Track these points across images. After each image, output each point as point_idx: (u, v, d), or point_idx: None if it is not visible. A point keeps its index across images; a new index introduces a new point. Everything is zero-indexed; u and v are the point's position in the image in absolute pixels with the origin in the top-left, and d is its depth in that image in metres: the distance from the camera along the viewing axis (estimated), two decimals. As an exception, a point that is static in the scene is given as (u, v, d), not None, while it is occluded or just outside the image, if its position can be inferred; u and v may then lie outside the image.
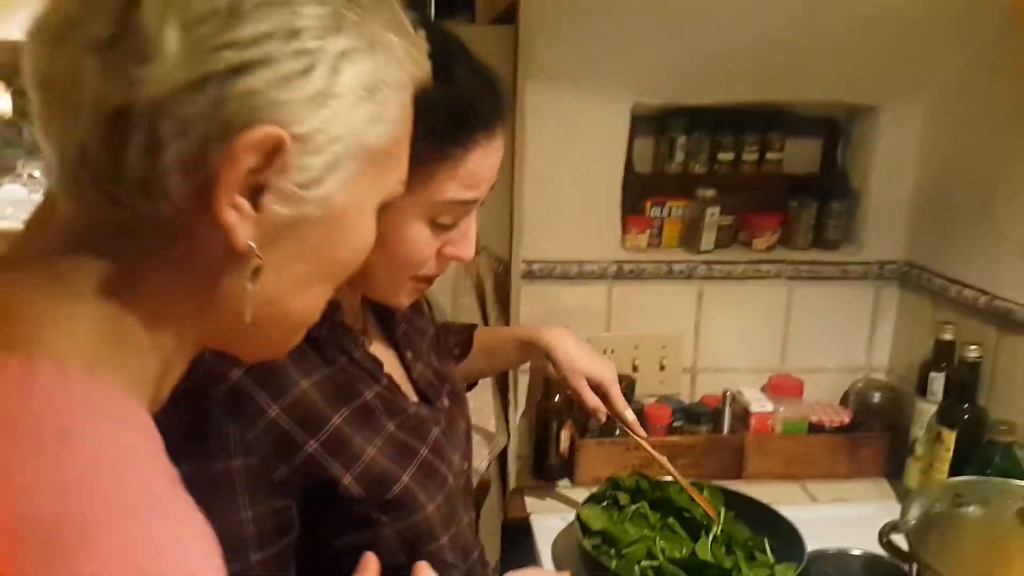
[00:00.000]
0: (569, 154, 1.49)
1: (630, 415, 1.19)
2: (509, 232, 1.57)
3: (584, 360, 1.16)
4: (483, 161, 0.77)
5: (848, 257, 1.61)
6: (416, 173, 0.70)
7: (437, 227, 0.78)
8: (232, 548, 0.69)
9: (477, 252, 1.62)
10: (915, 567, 0.95)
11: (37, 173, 3.88)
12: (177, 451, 0.67)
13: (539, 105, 1.45)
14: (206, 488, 0.67)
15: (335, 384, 0.80)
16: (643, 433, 1.21)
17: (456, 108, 0.74)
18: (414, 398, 0.92)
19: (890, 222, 1.59)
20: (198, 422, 0.70)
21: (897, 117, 1.54)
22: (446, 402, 0.98)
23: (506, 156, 1.49)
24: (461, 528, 0.96)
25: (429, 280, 0.84)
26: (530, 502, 1.43)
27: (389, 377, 0.87)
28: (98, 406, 0.43)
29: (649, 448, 1.21)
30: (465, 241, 0.82)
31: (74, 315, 0.44)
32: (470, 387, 1.44)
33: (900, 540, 0.97)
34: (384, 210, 0.72)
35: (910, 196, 1.57)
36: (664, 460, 1.22)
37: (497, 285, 1.69)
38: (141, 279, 0.46)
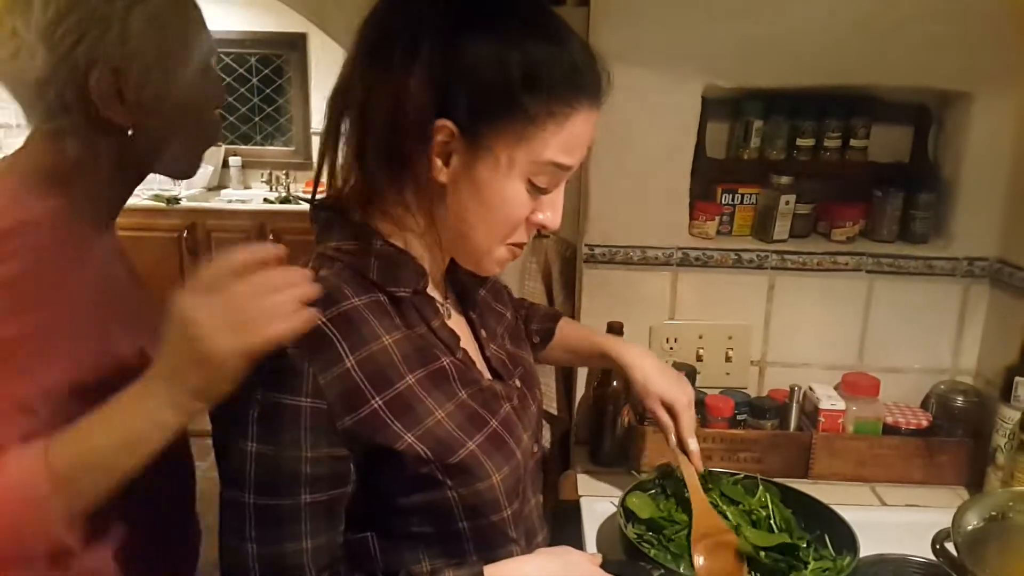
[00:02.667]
0: (638, 137, 1.47)
1: (694, 444, 1.17)
2: (578, 216, 1.57)
3: (660, 381, 1.16)
4: (584, 127, 0.79)
5: (936, 252, 1.51)
6: (523, 128, 0.76)
7: (533, 189, 0.80)
8: (287, 482, 0.75)
9: (546, 235, 1.63)
10: (971, 578, 0.89)
11: None
12: (255, 379, 0.72)
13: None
14: (274, 417, 0.74)
15: (413, 347, 0.83)
16: (699, 466, 1.17)
17: (568, 70, 0.77)
18: (487, 375, 0.93)
19: (982, 216, 1.49)
20: (278, 356, 0.73)
21: (992, 105, 1.43)
22: (518, 383, 1.00)
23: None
24: (528, 508, 0.97)
25: (518, 248, 0.86)
26: (583, 485, 1.42)
27: (464, 351, 0.90)
28: None
29: (692, 484, 1.16)
30: (554, 209, 0.84)
31: None
32: (568, 395, 1.47)
33: (953, 548, 0.91)
34: (487, 165, 0.76)
35: (1005, 189, 1.46)
36: (701, 497, 1.16)
37: (564, 268, 1.68)
38: None
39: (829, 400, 1.46)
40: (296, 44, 4.46)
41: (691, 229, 1.54)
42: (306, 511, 0.78)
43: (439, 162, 0.78)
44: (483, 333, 0.98)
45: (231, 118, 4.58)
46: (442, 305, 0.90)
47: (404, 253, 0.84)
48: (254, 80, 4.60)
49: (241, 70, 4.57)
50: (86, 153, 0.88)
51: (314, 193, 0.88)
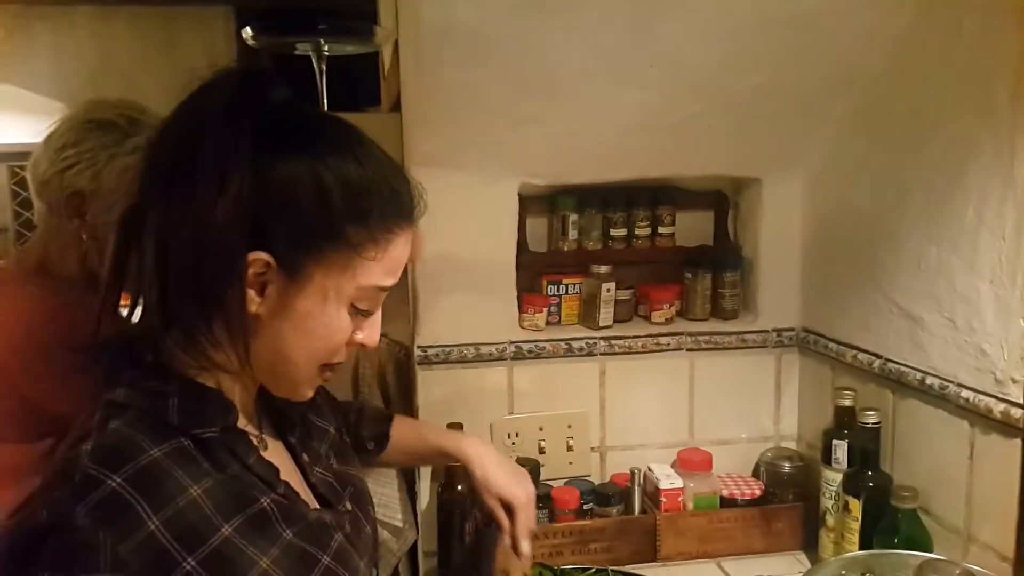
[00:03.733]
0: (461, 237, 1.48)
1: (526, 546, 1.14)
2: (407, 318, 1.54)
3: (500, 478, 1.14)
4: (404, 248, 0.80)
5: (746, 327, 1.61)
6: (346, 257, 0.75)
7: (355, 313, 0.78)
8: None
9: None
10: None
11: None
12: (39, 559, 0.63)
13: (427, 190, 1.44)
14: None
15: (227, 492, 0.75)
16: (527, 570, 1.16)
17: (387, 196, 0.77)
18: (314, 504, 0.87)
19: (783, 289, 1.60)
20: (66, 530, 0.64)
21: (779, 187, 1.57)
22: (349, 506, 0.93)
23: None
24: None
25: (333, 368, 0.83)
26: (433, 602, 1.35)
27: (286, 484, 0.82)
28: None
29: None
30: (373, 328, 0.82)
31: None
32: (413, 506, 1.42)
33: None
34: (308, 295, 0.74)
35: (799, 263, 1.59)
36: None
37: (398, 371, 1.64)
38: None
39: (668, 479, 1.49)
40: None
41: (521, 322, 1.55)
42: None
43: (253, 294, 0.73)
44: (305, 458, 0.91)
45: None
46: (256, 437, 0.83)
47: (208, 389, 0.78)
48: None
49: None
50: (56, 248, 1.23)
51: (97, 332, 0.79)
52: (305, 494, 0.87)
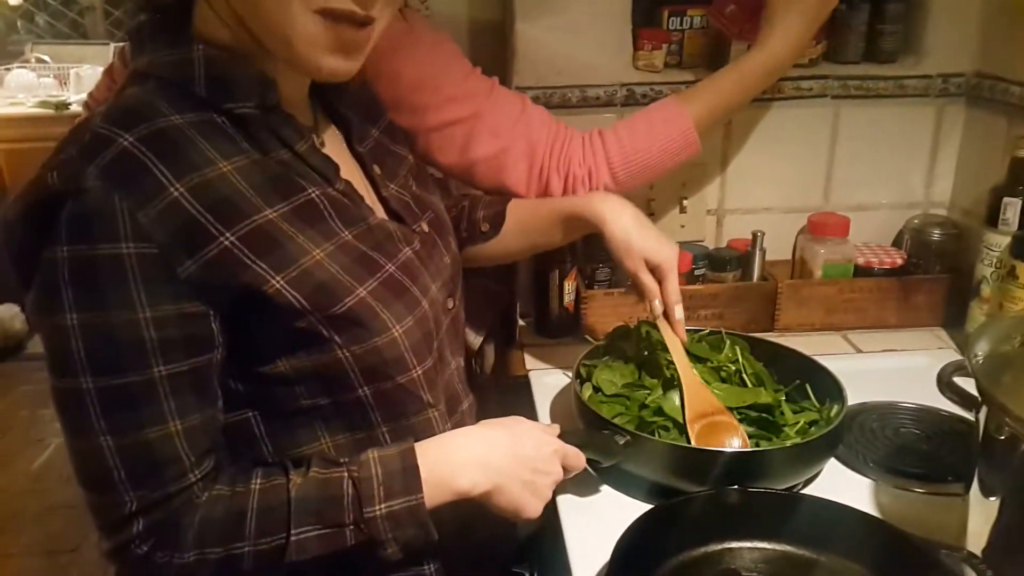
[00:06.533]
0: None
1: (679, 312, 1.00)
2: (503, 57, 1.35)
3: (643, 239, 0.98)
4: None
5: (907, 71, 1.34)
6: None
7: None
8: (130, 353, 0.59)
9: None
10: (983, 413, 0.76)
11: (45, 57, 3.81)
12: (53, 231, 0.57)
13: None
14: (92, 278, 0.58)
15: (269, 175, 0.66)
16: (683, 337, 1.02)
17: None
18: (382, 214, 0.78)
19: (957, 26, 1.31)
20: (77, 194, 0.57)
21: None
22: (425, 228, 0.84)
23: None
24: (447, 372, 0.84)
25: (331, 18, 0.63)
26: (530, 359, 1.26)
27: (347, 183, 0.73)
28: None
29: (680, 360, 1.00)
30: None
31: None
32: (508, 267, 1.28)
33: (965, 383, 0.78)
34: None
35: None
36: (690, 374, 1.00)
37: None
38: None
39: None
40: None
41: (636, 61, 1.33)
42: (164, 386, 0.61)
43: None
44: (377, 170, 0.81)
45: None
46: (308, 128, 0.73)
47: (241, 59, 0.66)
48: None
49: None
50: None
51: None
52: (373, 202, 0.77)
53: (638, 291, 1.01)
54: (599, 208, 0.99)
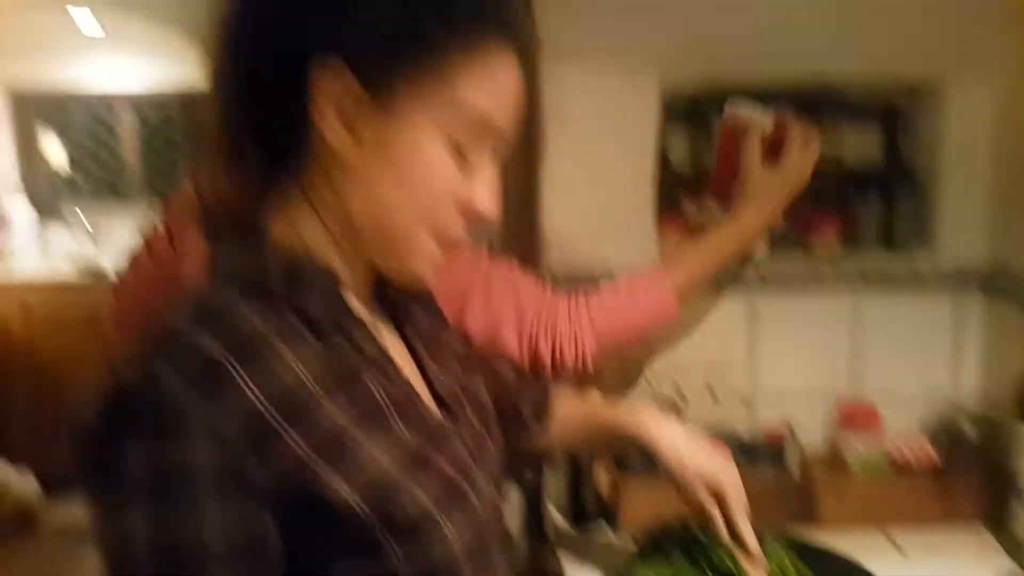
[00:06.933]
0: (593, 148, 1.28)
1: (752, 540, 0.94)
2: (530, 244, 1.35)
3: (701, 461, 0.94)
4: (506, 71, 0.65)
5: (921, 262, 1.37)
6: (435, 65, 0.62)
7: (456, 154, 0.65)
8: (190, 561, 0.57)
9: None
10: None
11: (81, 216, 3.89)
12: (124, 423, 0.56)
13: (559, 92, 1.24)
14: (158, 478, 0.57)
15: (333, 372, 0.64)
16: (763, 563, 0.95)
17: None
18: (435, 408, 0.75)
19: (968, 219, 1.36)
20: (153, 392, 0.56)
21: (966, 94, 1.32)
22: (476, 422, 0.80)
23: (524, 157, 1.29)
24: (493, 572, 0.77)
25: (448, 242, 0.68)
26: (564, 553, 1.17)
27: (399, 374, 0.71)
28: None
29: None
30: (487, 190, 0.68)
31: None
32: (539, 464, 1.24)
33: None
34: (396, 120, 0.62)
35: (988, 187, 1.34)
36: None
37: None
38: None
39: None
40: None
41: (660, 249, 1.34)
42: None
43: (336, 125, 0.62)
44: (428, 360, 0.78)
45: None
46: (369, 322, 0.71)
47: (310, 259, 0.67)
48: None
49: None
50: None
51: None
52: (426, 397, 0.75)
53: (702, 515, 0.95)
54: (649, 430, 0.96)
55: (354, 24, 0.60)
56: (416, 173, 0.64)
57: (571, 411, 1.02)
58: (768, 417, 1.36)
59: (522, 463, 1.15)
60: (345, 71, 0.60)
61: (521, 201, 1.39)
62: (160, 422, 0.56)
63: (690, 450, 0.93)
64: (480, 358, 0.96)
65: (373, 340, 0.70)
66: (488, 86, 0.65)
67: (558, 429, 1.01)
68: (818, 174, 1.38)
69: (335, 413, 0.62)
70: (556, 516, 1.28)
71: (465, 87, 0.63)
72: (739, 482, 0.93)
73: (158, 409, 0.56)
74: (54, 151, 3.98)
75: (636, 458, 1.25)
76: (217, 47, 0.63)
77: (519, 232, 1.35)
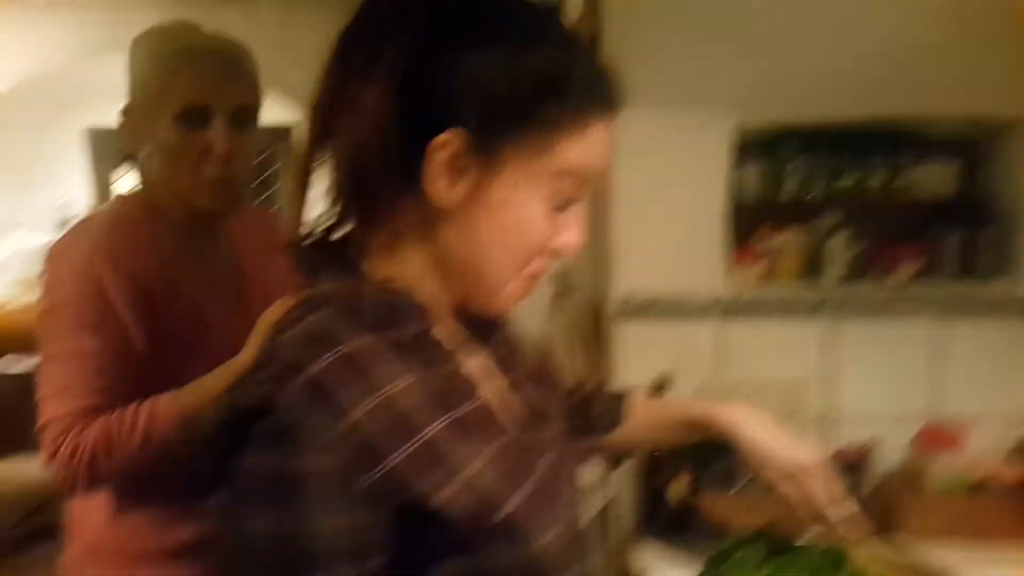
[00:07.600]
0: (666, 178, 1.37)
1: (834, 513, 0.93)
2: (597, 272, 1.44)
3: (780, 446, 0.93)
4: (603, 139, 0.71)
5: (1003, 290, 1.38)
6: (541, 138, 0.68)
7: (552, 209, 0.71)
8: (304, 565, 0.63)
9: (568, 293, 1.50)
10: None
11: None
12: (243, 444, 0.63)
13: (631, 131, 1.35)
14: (276, 487, 0.63)
15: (432, 391, 0.70)
16: (858, 533, 0.95)
17: (583, 74, 0.70)
18: (519, 421, 0.80)
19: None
20: (267, 416, 0.63)
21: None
22: (555, 431, 0.85)
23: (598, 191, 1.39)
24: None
25: (533, 282, 0.75)
26: (643, 560, 1.22)
27: (485, 395, 0.76)
28: None
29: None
30: (576, 227, 0.73)
31: None
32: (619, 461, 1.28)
33: None
34: (502, 183, 0.68)
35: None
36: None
37: (584, 329, 1.54)
38: None
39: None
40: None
41: (731, 275, 1.41)
42: None
43: (445, 181, 0.68)
44: (509, 377, 0.83)
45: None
46: (458, 348, 0.77)
47: (403, 288, 0.73)
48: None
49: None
50: None
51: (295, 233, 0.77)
52: (509, 407, 0.80)
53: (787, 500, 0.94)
54: (726, 416, 0.95)
55: (478, 98, 0.66)
56: (514, 227, 0.70)
57: (643, 407, 1.06)
58: (850, 437, 1.38)
59: (604, 465, 1.19)
60: (462, 135, 0.65)
61: (592, 234, 1.50)
62: (278, 441, 0.62)
63: (770, 435, 0.93)
64: (550, 372, 1.04)
65: (461, 361, 0.75)
66: (587, 152, 0.70)
67: (632, 426, 1.04)
68: (898, 208, 1.45)
69: (434, 432, 0.67)
70: (635, 523, 1.34)
71: (566, 153, 0.69)
72: (826, 470, 0.92)
73: (273, 430, 0.63)
74: (129, 187, 4.20)
75: (716, 466, 1.30)
76: (339, 104, 0.69)
77: (589, 262, 1.45)
